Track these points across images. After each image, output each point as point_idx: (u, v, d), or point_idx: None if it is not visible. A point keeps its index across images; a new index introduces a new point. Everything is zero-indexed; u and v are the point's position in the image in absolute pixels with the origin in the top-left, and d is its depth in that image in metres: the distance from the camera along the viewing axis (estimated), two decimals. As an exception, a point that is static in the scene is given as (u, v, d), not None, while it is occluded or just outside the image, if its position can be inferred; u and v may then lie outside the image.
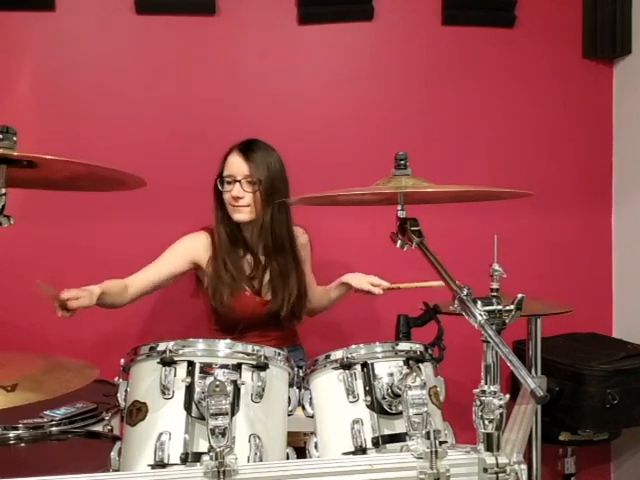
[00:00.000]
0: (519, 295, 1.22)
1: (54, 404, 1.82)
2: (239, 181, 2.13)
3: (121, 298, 2.07)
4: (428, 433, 1.15)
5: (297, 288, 2.21)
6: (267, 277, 2.21)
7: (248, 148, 2.16)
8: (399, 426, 1.39)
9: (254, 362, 1.38)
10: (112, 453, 1.41)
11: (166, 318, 2.61)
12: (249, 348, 1.40)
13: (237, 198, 2.13)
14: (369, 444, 1.39)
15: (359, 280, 2.17)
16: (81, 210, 2.55)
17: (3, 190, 1.20)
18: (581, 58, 2.90)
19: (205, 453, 1.14)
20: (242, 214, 2.15)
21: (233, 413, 1.28)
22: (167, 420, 1.33)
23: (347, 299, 2.34)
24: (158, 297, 2.52)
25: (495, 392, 1.18)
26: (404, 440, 1.32)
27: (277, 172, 2.16)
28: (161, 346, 1.38)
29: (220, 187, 2.17)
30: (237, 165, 2.15)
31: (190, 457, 1.29)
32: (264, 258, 2.22)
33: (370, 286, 2.13)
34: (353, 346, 1.46)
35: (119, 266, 2.57)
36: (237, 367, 1.36)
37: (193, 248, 2.20)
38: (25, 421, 1.74)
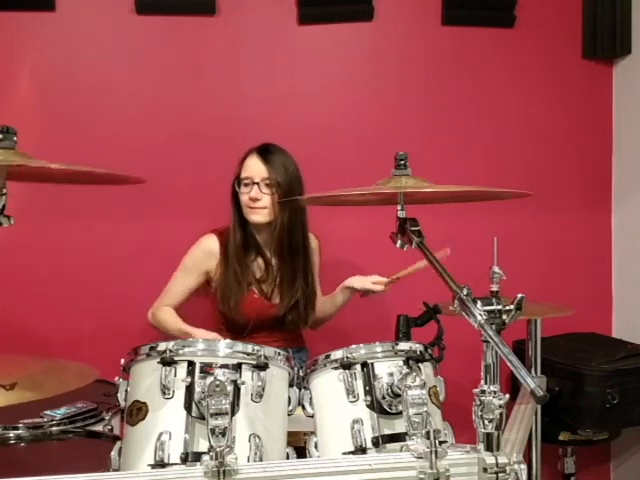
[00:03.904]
0: (519, 295, 1.22)
1: (54, 404, 1.82)
2: (257, 183, 2.14)
3: None
4: (428, 433, 1.16)
5: (306, 292, 2.22)
6: (277, 280, 2.22)
7: (266, 151, 2.18)
8: (399, 426, 1.39)
9: (254, 362, 1.38)
10: (112, 453, 1.41)
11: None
12: (249, 348, 1.40)
13: (255, 200, 2.14)
14: (369, 444, 1.39)
15: (361, 282, 2.21)
16: (81, 210, 2.55)
17: (3, 190, 1.20)
18: (581, 58, 2.90)
19: (205, 453, 1.14)
20: (259, 216, 2.16)
21: (233, 413, 1.28)
22: (167, 420, 1.34)
23: (351, 302, 2.34)
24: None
25: (495, 392, 1.18)
26: (404, 440, 1.32)
27: (294, 175, 2.18)
28: (161, 346, 1.38)
29: (237, 188, 2.18)
30: (256, 167, 2.16)
31: (190, 457, 1.29)
32: (275, 261, 2.23)
33: (372, 285, 2.17)
34: (353, 346, 1.46)
35: (119, 266, 2.60)
36: (237, 367, 1.36)
37: (202, 261, 2.22)
38: (25, 421, 1.74)
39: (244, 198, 2.17)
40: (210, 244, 2.22)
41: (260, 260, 2.23)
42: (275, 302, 2.21)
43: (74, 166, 1.17)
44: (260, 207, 2.15)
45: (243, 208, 2.18)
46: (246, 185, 2.17)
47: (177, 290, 2.22)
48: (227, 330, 2.21)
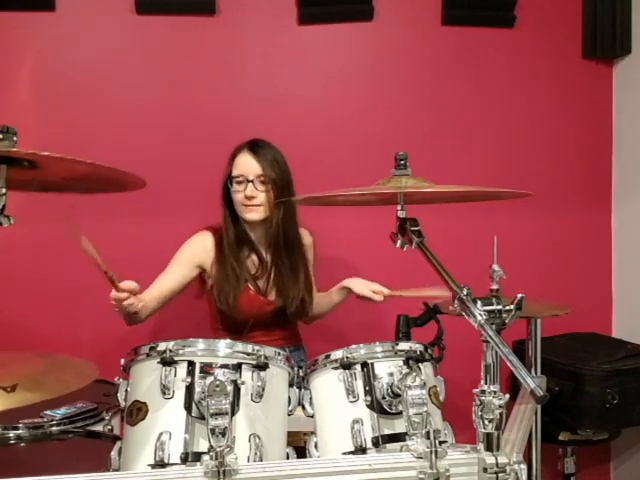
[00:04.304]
0: (519, 295, 1.22)
1: (54, 404, 1.82)
2: (251, 181, 2.13)
3: (141, 312, 2.03)
4: (428, 433, 1.16)
5: (305, 284, 2.22)
6: (272, 276, 2.21)
7: (257, 147, 2.17)
8: (399, 426, 1.39)
9: (254, 362, 1.38)
10: (112, 453, 1.41)
11: (167, 318, 2.60)
12: (249, 348, 1.40)
13: (251, 197, 2.13)
14: (369, 444, 1.39)
15: (360, 286, 2.18)
16: (81, 210, 2.54)
17: (3, 190, 1.20)
18: (581, 58, 2.90)
19: (205, 453, 1.14)
20: (256, 213, 2.15)
21: (233, 413, 1.28)
22: (167, 420, 1.33)
23: (347, 301, 2.34)
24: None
25: (495, 392, 1.18)
26: (404, 440, 1.32)
27: (285, 169, 2.18)
28: (161, 346, 1.38)
29: (230, 187, 2.17)
30: (249, 164, 2.15)
31: (190, 457, 1.29)
32: (269, 257, 2.22)
33: (371, 293, 2.14)
34: (353, 346, 1.46)
35: (119, 266, 2.58)
36: (237, 367, 1.36)
37: (198, 252, 2.20)
38: (25, 421, 1.74)
39: (239, 197, 2.15)
40: (205, 239, 2.21)
41: (254, 256, 2.23)
42: (271, 298, 2.21)
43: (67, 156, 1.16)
44: (256, 205, 2.14)
45: (237, 206, 2.17)
46: (239, 183, 2.15)
47: (166, 281, 2.15)
48: (225, 330, 2.21)
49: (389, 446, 1.38)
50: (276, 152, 2.18)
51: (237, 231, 2.20)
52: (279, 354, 1.44)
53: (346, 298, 2.30)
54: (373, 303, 2.16)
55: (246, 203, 2.14)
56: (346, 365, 1.44)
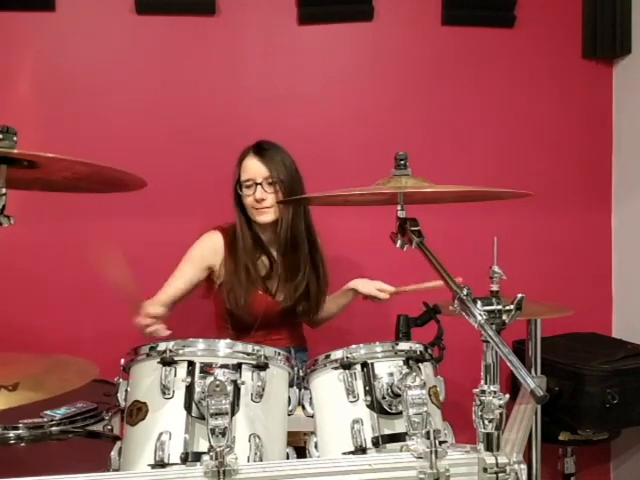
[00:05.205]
0: (519, 295, 1.22)
1: (54, 404, 1.82)
2: (260, 184, 2.14)
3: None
4: (428, 433, 1.16)
5: (316, 281, 2.23)
6: (281, 276, 2.22)
7: (262, 149, 2.18)
8: (399, 426, 1.39)
9: (254, 362, 1.38)
10: (112, 453, 1.41)
11: (172, 319, 2.60)
12: (249, 348, 1.40)
13: (260, 200, 2.14)
14: (369, 444, 1.39)
15: (366, 286, 2.20)
16: (81, 210, 2.55)
17: (3, 190, 1.20)
18: (581, 58, 2.90)
19: (205, 453, 1.14)
20: (267, 215, 2.16)
21: (233, 413, 1.28)
22: (167, 420, 1.33)
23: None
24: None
25: (495, 392, 1.18)
26: (404, 440, 1.32)
27: (293, 169, 2.19)
28: (161, 346, 1.38)
29: (240, 191, 2.18)
30: (255, 168, 2.16)
31: (190, 457, 1.29)
32: (280, 258, 2.23)
33: (377, 292, 2.16)
34: (353, 346, 1.46)
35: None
36: (237, 367, 1.36)
37: (207, 254, 2.21)
38: (25, 421, 1.74)
39: (249, 200, 2.17)
40: (215, 240, 2.22)
41: (265, 258, 2.24)
42: (279, 298, 2.21)
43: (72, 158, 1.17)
44: (266, 207, 2.15)
45: (249, 210, 2.19)
46: (248, 187, 2.17)
47: (178, 283, 2.19)
48: (232, 329, 2.21)
49: (389, 446, 1.38)
50: (283, 152, 2.20)
51: (251, 234, 2.21)
52: (279, 354, 1.44)
53: (353, 300, 2.30)
54: (379, 302, 2.17)
55: (256, 206, 2.16)
56: (346, 365, 1.44)
